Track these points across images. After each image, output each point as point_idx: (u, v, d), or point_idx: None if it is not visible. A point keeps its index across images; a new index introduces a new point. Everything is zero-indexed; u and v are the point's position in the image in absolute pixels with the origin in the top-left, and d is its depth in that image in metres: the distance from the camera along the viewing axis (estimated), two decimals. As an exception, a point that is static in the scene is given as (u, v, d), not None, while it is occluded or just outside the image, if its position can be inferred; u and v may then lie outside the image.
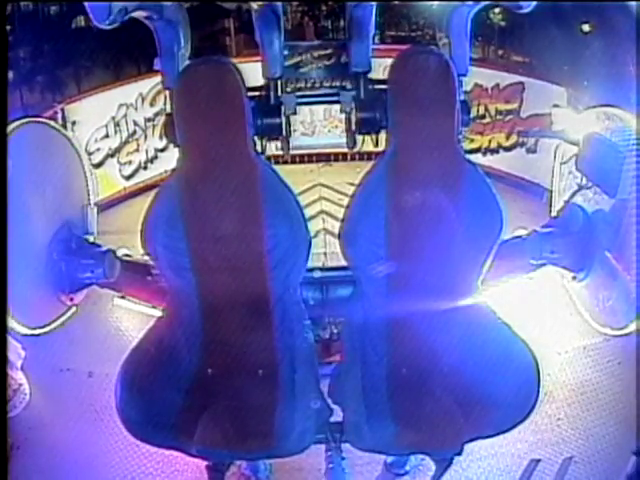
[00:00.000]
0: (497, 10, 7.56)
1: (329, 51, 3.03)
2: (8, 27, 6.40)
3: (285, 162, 4.05)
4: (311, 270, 2.72)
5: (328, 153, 6.19)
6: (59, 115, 5.19)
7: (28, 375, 3.04)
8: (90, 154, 5.28)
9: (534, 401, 2.14)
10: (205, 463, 2.24)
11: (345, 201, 2.42)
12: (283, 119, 2.75)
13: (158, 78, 2.88)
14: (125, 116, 5.67)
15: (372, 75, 2.78)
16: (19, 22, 7.27)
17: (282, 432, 2.09)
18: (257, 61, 2.83)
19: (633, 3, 2.56)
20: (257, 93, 2.74)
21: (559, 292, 3.17)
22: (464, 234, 2.30)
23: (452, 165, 2.32)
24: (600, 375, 3.39)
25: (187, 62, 2.63)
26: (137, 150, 5.81)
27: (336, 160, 6.21)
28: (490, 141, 5.90)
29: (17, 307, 2.44)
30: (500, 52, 8.75)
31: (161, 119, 5.21)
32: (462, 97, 2.52)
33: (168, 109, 2.53)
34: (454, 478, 2.65)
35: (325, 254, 3.97)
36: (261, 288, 2.32)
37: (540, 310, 3.73)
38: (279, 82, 2.80)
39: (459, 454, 2.08)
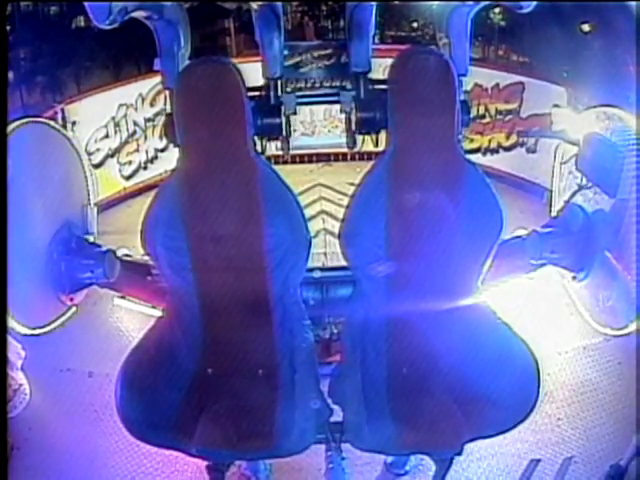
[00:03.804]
0: (497, 10, 7.57)
1: (329, 51, 3.03)
2: (8, 27, 6.41)
3: (285, 162, 4.05)
4: (311, 270, 2.72)
5: (328, 153, 6.20)
6: (59, 115, 5.19)
7: (28, 375, 3.04)
8: (90, 154, 5.28)
9: (534, 401, 2.14)
10: (205, 463, 2.24)
11: (345, 201, 2.42)
12: (283, 119, 2.76)
13: (158, 78, 2.88)
14: (125, 116, 5.67)
15: (372, 75, 2.79)
16: (19, 22, 7.27)
17: (282, 432, 2.09)
18: (257, 61, 2.84)
19: (633, 3, 2.56)
20: (257, 93, 2.74)
21: (559, 292, 3.17)
22: (464, 234, 2.30)
23: (452, 165, 2.32)
24: (600, 375, 3.39)
25: (187, 62, 2.63)
26: (137, 150, 5.82)
27: (336, 160, 6.21)
28: (490, 141, 5.91)
29: (17, 307, 2.44)
30: (500, 52, 8.76)
31: (161, 119, 5.23)
32: (462, 97, 2.52)
33: (168, 109, 2.53)
34: (454, 478, 2.65)
35: (325, 254, 3.97)
36: (261, 288, 2.32)
37: (540, 310, 3.73)
38: (279, 82, 2.81)
39: (459, 454, 2.08)
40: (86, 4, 2.01)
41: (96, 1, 2.01)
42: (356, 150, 3.08)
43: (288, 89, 2.94)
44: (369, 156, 4.35)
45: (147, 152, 5.85)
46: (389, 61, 2.35)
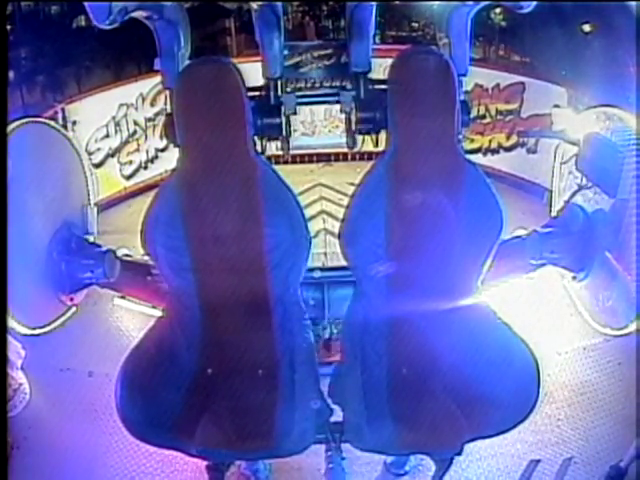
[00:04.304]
0: (497, 10, 7.56)
1: (329, 51, 3.03)
2: (8, 27, 6.41)
3: (285, 162, 4.05)
4: (311, 270, 2.73)
5: (328, 153, 6.19)
6: (59, 115, 5.19)
7: (28, 375, 3.04)
8: (90, 154, 5.28)
9: (534, 401, 2.14)
10: (205, 463, 2.24)
11: (345, 201, 2.42)
12: (283, 119, 2.76)
13: (159, 78, 2.88)
14: (125, 116, 5.67)
15: (372, 75, 2.79)
16: (19, 22, 7.27)
17: (282, 432, 2.09)
18: (257, 61, 2.84)
19: (633, 3, 2.56)
20: (257, 93, 2.74)
21: (559, 292, 3.17)
22: (464, 234, 2.30)
23: (452, 165, 2.32)
24: (600, 376, 3.38)
25: (187, 62, 2.63)
26: (137, 150, 5.81)
27: (336, 160, 6.21)
28: (490, 141, 5.90)
29: (17, 307, 2.44)
30: (500, 52, 8.75)
31: (161, 119, 5.23)
32: (462, 97, 2.51)
33: (168, 109, 2.53)
34: (454, 478, 2.65)
35: (325, 254, 3.96)
36: (261, 288, 2.32)
37: (540, 310, 3.73)
38: (279, 82, 2.80)
39: (459, 454, 2.08)
40: (86, 4, 2.01)
41: (96, 1, 2.01)
42: (356, 150, 3.07)
43: (288, 89, 2.94)
44: (369, 156, 4.36)
45: (147, 152, 5.84)
46: (389, 61, 2.35)
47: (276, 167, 2.35)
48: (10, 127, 2.48)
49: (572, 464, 2.88)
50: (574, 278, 2.91)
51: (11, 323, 2.46)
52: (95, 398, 3.19)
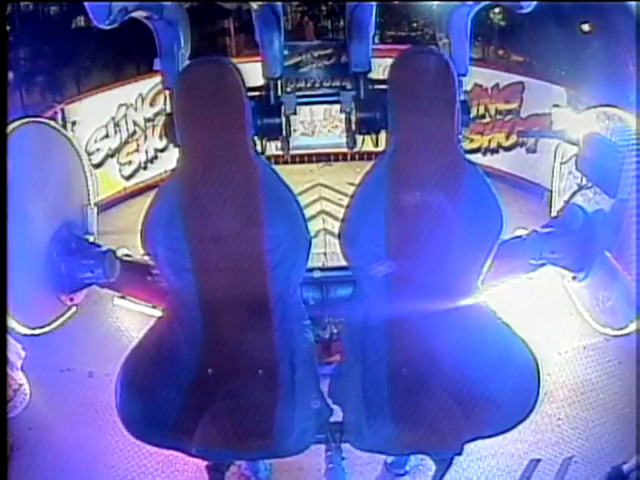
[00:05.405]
0: (497, 10, 7.58)
1: (329, 51, 3.03)
2: (8, 27, 6.41)
3: (285, 162, 4.05)
4: (311, 270, 2.72)
5: (328, 153, 6.20)
6: (59, 115, 5.20)
7: (28, 375, 3.04)
8: (90, 154, 5.28)
9: (534, 401, 2.14)
10: (205, 463, 2.24)
11: (345, 201, 2.42)
12: (283, 119, 2.76)
13: (158, 78, 2.89)
14: (125, 116, 5.68)
15: (372, 75, 2.79)
16: (19, 22, 7.28)
17: (282, 432, 2.09)
18: (257, 61, 2.84)
19: (633, 3, 2.56)
20: (257, 93, 2.74)
21: (559, 292, 3.17)
22: (464, 234, 2.30)
23: (452, 165, 2.32)
24: (600, 375, 3.39)
25: (187, 62, 2.63)
26: (137, 150, 5.82)
27: (336, 160, 6.22)
28: (490, 141, 5.91)
29: (17, 307, 2.44)
30: (500, 52, 8.76)
31: (161, 119, 5.23)
32: (462, 97, 2.52)
33: (168, 109, 2.53)
34: (454, 478, 2.65)
35: (325, 254, 3.97)
36: (261, 288, 2.32)
37: (540, 310, 3.73)
38: (279, 82, 2.81)
39: (459, 454, 2.08)
40: (86, 4, 2.01)
41: (96, 1, 2.01)
42: (356, 150, 3.07)
43: (288, 89, 2.94)
44: (369, 156, 4.35)
45: (147, 152, 5.85)
46: (389, 61, 2.35)
47: (276, 167, 2.35)
48: (10, 127, 2.48)
49: (572, 463, 2.88)
50: (574, 278, 2.91)
51: (11, 323, 2.46)
52: (95, 398, 3.19)
